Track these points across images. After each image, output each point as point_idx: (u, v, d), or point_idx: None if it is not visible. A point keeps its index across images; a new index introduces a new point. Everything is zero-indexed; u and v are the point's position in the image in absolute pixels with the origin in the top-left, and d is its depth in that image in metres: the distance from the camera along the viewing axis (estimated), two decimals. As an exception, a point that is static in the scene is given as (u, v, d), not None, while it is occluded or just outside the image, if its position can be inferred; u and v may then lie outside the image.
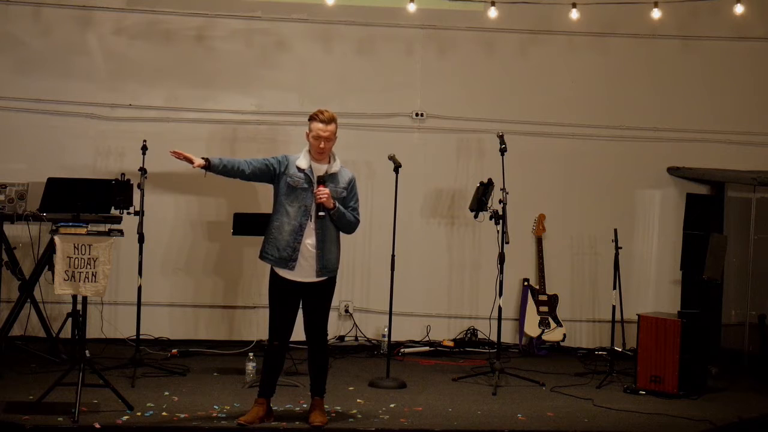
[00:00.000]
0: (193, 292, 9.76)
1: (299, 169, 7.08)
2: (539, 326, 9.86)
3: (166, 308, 9.70)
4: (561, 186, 10.15)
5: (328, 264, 7.11)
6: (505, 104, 10.02)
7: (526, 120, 9.98)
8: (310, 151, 7.14)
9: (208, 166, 6.97)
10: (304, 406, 7.56)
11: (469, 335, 10.02)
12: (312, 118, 7.11)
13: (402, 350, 9.64)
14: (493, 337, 9.29)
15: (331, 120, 7.08)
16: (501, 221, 8.68)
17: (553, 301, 9.94)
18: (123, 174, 8.80)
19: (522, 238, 9.87)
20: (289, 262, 7.04)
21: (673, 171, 10.16)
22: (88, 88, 9.61)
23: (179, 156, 6.96)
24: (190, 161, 6.94)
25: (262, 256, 7.16)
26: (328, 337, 7.57)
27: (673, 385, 8.38)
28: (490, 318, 9.66)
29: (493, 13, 9.50)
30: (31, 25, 9.55)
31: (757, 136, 10.18)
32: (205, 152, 7.67)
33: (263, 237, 7.18)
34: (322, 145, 7.07)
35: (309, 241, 7.05)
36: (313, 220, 7.04)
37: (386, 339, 9.05)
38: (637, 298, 9.99)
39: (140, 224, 8.37)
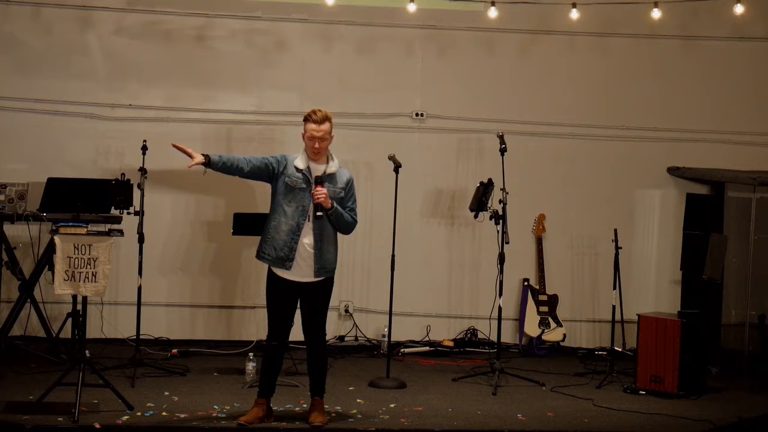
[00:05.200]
0: (192, 292, 9.76)
1: (297, 170, 7.08)
2: (539, 326, 9.85)
3: (166, 308, 9.70)
4: (561, 186, 10.15)
5: (326, 264, 7.11)
6: (505, 104, 10.02)
7: (526, 120, 9.98)
8: (307, 152, 7.15)
9: (208, 163, 6.96)
10: (304, 406, 7.56)
11: (469, 335, 10.01)
12: (306, 118, 7.10)
13: (402, 350, 9.64)
14: (493, 337, 9.29)
15: (324, 119, 7.07)
16: (501, 221, 8.68)
17: (553, 301, 9.94)
18: (123, 174, 8.80)
19: (522, 238, 9.87)
20: (286, 261, 7.04)
21: (673, 171, 10.16)
22: (88, 88, 9.61)
23: (180, 149, 6.95)
24: (190, 156, 6.92)
25: (259, 256, 7.15)
26: (328, 337, 7.57)
27: (673, 385, 8.38)
28: (490, 318, 9.66)
29: (493, 13, 9.50)
30: (31, 25, 9.55)
31: (757, 136, 10.18)
32: (204, 152, 7.63)
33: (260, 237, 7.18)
34: (316, 145, 7.06)
35: (307, 240, 7.05)
36: (311, 220, 7.05)
37: (386, 339, 9.05)
38: (637, 298, 9.98)
39: (140, 224, 8.36)
